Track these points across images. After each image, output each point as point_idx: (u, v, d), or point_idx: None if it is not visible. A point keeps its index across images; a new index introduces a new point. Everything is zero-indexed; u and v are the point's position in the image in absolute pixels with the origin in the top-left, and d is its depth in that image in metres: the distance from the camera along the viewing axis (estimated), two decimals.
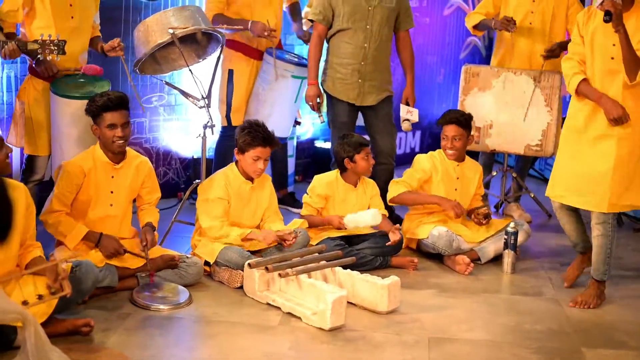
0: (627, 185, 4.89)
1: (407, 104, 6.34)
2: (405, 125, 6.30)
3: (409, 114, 6.28)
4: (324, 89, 6.26)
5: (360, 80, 6.17)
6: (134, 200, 5.20)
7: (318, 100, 6.15)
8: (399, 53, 6.43)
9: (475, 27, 6.81)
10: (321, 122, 6.30)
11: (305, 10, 6.98)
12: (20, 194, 4.14)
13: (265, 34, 6.04)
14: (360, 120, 6.37)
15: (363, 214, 5.53)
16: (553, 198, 5.17)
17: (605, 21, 4.63)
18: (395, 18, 6.25)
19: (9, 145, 4.21)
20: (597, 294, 5.07)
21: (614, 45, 4.78)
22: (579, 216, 5.23)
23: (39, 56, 5.14)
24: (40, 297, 4.03)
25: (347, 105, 6.22)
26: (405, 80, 6.42)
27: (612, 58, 4.81)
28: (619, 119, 4.77)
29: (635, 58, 4.70)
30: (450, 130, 5.90)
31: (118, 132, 4.87)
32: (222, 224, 5.19)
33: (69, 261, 4.30)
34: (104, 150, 4.94)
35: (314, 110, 6.20)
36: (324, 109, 6.27)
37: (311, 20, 6.28)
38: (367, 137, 6.07)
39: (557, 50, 6.53)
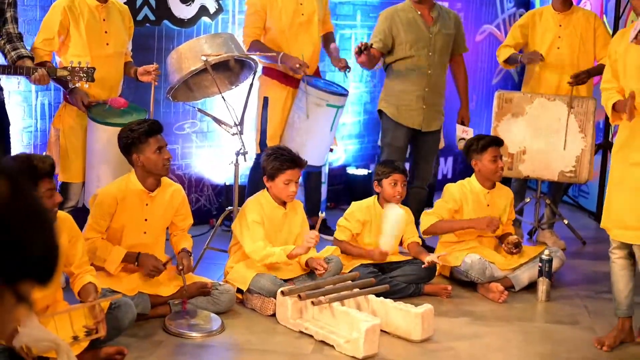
0: None
1: (462, 124, 6.39)
2: (461, 144, 6.32)
3: (464, 133, 6.37)
4: (385, 115, 6.28)
5: (424, 107, 6.23)
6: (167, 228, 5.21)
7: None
8: (454, 76, 6.57)
9: (506, 61, 6.81)
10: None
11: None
12: (63, 227, 4.19)
13: (297, 66, 6.02)
14: None
15: (386, 222, 5.50)
16: (612, 235, 4.79)
17: None
18: (452, 42, 6.35)
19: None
20: None
21: None
22: (633, 272, 4.88)
23: (71, 85, 5.17)
24: (75, 338, 4.02)
25: (407, 131, 6.27)
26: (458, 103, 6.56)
27: None
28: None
29: None
30: (498, 151, 5.88)
31: (166, 153, 4.90)
32: (265, 244, 5.15)
33: (107, 300, 4.29)
34: (140, 177, 4.94)
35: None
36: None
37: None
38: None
39: (584, 77, 6.50)
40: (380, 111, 6.35)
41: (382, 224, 5.54)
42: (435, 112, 6.33)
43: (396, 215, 5.52)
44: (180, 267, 4.91)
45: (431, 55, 6.20)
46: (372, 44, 6.01)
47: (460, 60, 6.54)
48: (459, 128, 6.43)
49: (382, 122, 6.34)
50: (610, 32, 7.31)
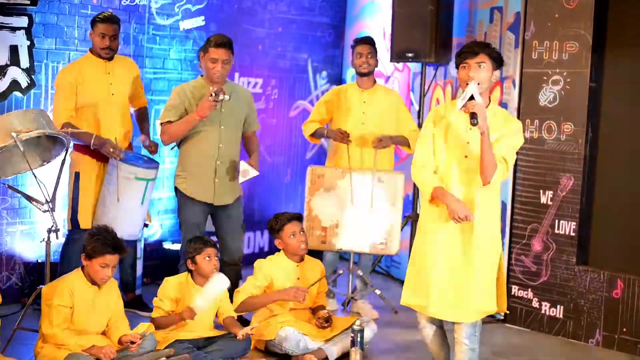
0: (489, 292, 4.82)
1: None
2: (242, 175, 6.22)
3: (249, 166, 6.24)
4: (178, 191, 6.27)
5: (216, 180, 6.22)
6: None
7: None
8: (248, 152, 6.50)
9: (312, 135, 7.02)
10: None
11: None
12: None
13: (110, 151, 6.07)
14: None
15: (209, 287, 5.51)
16: (420, 310, 4.95)
17: (473, 124, 4.53)
18: (244, 120, 6.38)
19: None
20: None
21: (468, 143, 4.75)
22: (445, 336, 5.10)
23: None
24: None
25: (201, 206, 6.25)
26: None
27: (466, 156, 4.76)
28: (464, 219, 4.65)
29: (493, 161, 4.63)
30: (298, 226, 6.06)
31: None
32: (62, 332, 5.06)
33: None
34: None
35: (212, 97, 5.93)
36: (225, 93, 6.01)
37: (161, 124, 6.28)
38: (213, 238, 6.10)
39: (387, 141, 6.80)
40: (176, 188, 6.32)
41: (205, 287, 5.54)
42: (227, 186, 6.28)
43: (222, 288, 5.55)
44: None
45: (222, 129, 6.21)
46: (168, 120, 6.12)
47: (253, 135, 6.52)
48: (244, 163, 6.22)
49: (178, 199, 6.31)
50: (417, 107, 7.68)
